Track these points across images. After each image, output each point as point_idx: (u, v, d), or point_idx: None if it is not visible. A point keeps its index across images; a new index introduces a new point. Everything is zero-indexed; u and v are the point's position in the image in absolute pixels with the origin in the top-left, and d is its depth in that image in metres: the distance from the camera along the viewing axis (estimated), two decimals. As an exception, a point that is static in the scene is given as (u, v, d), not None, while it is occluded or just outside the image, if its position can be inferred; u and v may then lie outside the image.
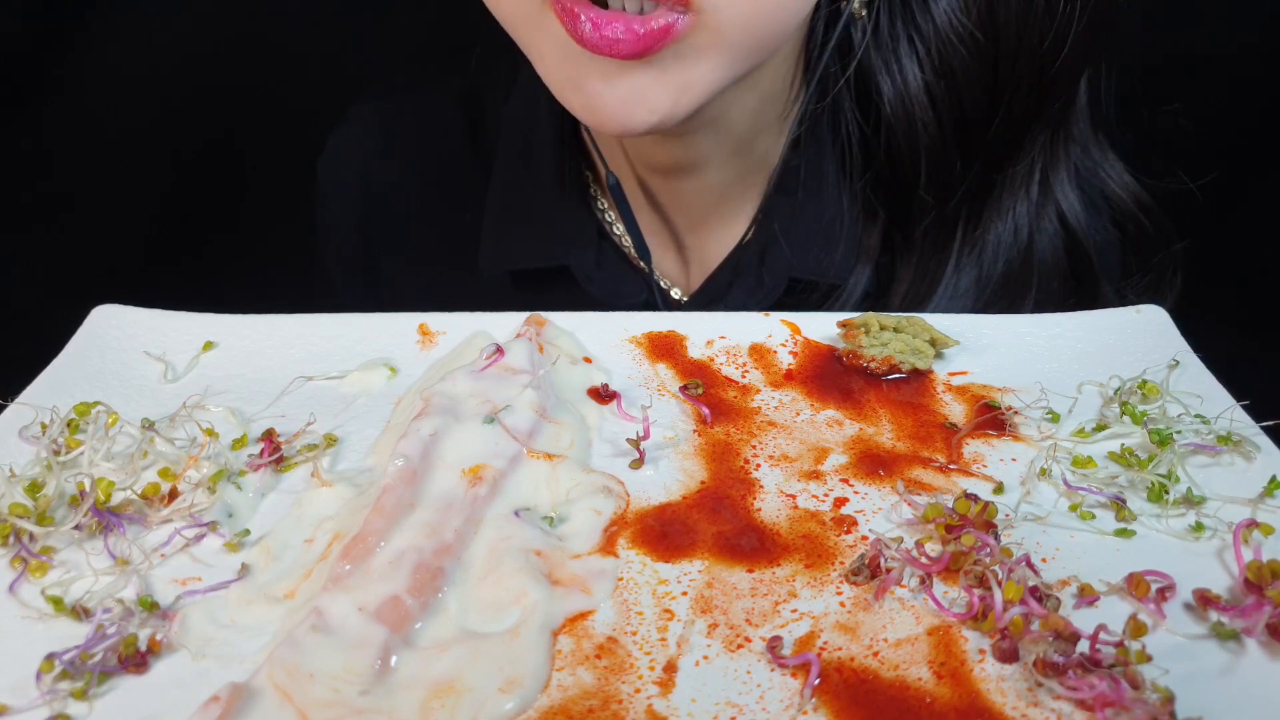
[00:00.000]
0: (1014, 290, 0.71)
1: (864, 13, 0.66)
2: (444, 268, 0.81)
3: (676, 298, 0.78)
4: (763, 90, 0.68)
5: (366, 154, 0.86)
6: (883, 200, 0.72)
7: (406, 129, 0.85)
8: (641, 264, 0.74)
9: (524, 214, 0.76)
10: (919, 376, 0.59)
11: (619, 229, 0.76)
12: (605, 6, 0.55)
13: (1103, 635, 0.41)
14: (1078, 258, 0.72)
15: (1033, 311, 0.66)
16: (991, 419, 0.56)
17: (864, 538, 0.48)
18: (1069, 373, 0.59)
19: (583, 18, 0.54)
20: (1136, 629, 0.41)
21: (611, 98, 0.57)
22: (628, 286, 0.75)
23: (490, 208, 0.78)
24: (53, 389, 0.56)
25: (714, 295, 0.74)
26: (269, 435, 0.53)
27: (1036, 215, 0.71)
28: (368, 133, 0.86)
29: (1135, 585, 0.44)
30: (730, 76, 0.60)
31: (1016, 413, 0.56)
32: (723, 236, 0.75)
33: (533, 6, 0.57)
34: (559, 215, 0.75)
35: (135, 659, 0.41)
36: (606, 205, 0.77)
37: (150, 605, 0.44)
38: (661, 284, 0.77)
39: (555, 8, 0.55)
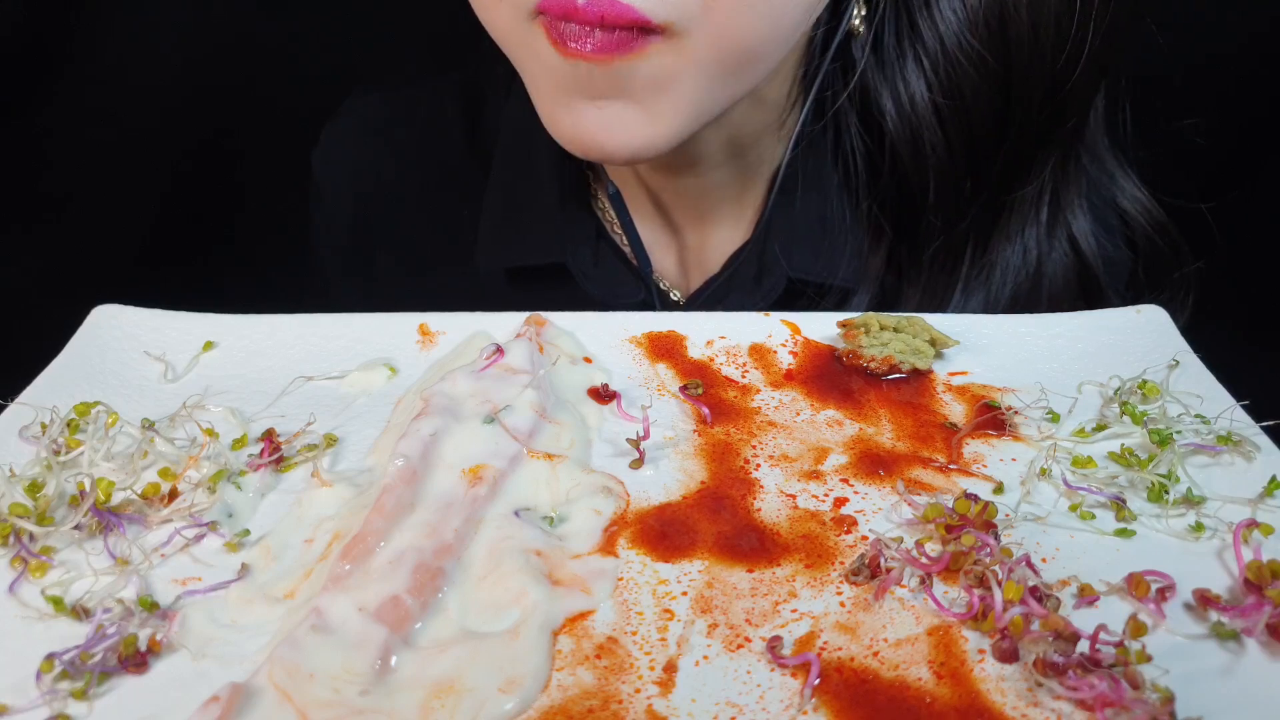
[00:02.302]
0: (1022, 313, 0.70)
1: (862, 29, 0.66)
2: (439, 263, 0.81)
3: (675, 299, 0.78)
4: (760, 97, 0.67)
5: (361, 146, 0.85)
6: (889, 220, 0.71)
7: (402, 122, 0.85)
8: (639, 263, 0.74)
9: (522, 211, 0.76)
10: (919, 376, 0.59)
11: (618, 229, 0.76)
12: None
13: (1103, 635, 0.41)
14: (1087, 282, 0.72)
15: None
16: (991, 419, 0.56)
17: (864, 538, 0.48)
18: (1069, 373, 0.59)
19: (563, 25, 0.55)
20: (1136, 629, 0.41)
21: (593, 122, 0.58)
22: (625, 287, 0.74)
23: (488, 204, 0.78)
24: (53, 389, 0.56)
25: (712, 298, 0.74)
26: (269, 435, 0.53)
27: (1046, 238, 0.70)
28: (362, 125, 0.86)
29: (1135, 585, 0.44)
30: (713, 101, 0.59)
31: (1016, 413, 0.56)
32: (723, 240, 0.75)
33: (522, 26, 0.57)
34: (557, 213, 0.75)
35: (135, 659, 0.41)
36: (605, 204, 0.77)
37: (150, 605, 0.44)
38: (660, 285, 0.77)
39: (542, 21, 0.56)
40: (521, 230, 0.76)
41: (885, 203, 0.71)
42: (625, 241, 0.75)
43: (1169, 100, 0.75)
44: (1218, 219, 0.73)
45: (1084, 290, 0.72)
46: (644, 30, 0.54)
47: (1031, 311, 0.70)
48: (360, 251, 0.86)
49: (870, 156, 0.70)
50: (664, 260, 0.78)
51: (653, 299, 0.74)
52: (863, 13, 0.65)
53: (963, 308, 0.70)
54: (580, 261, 0.74)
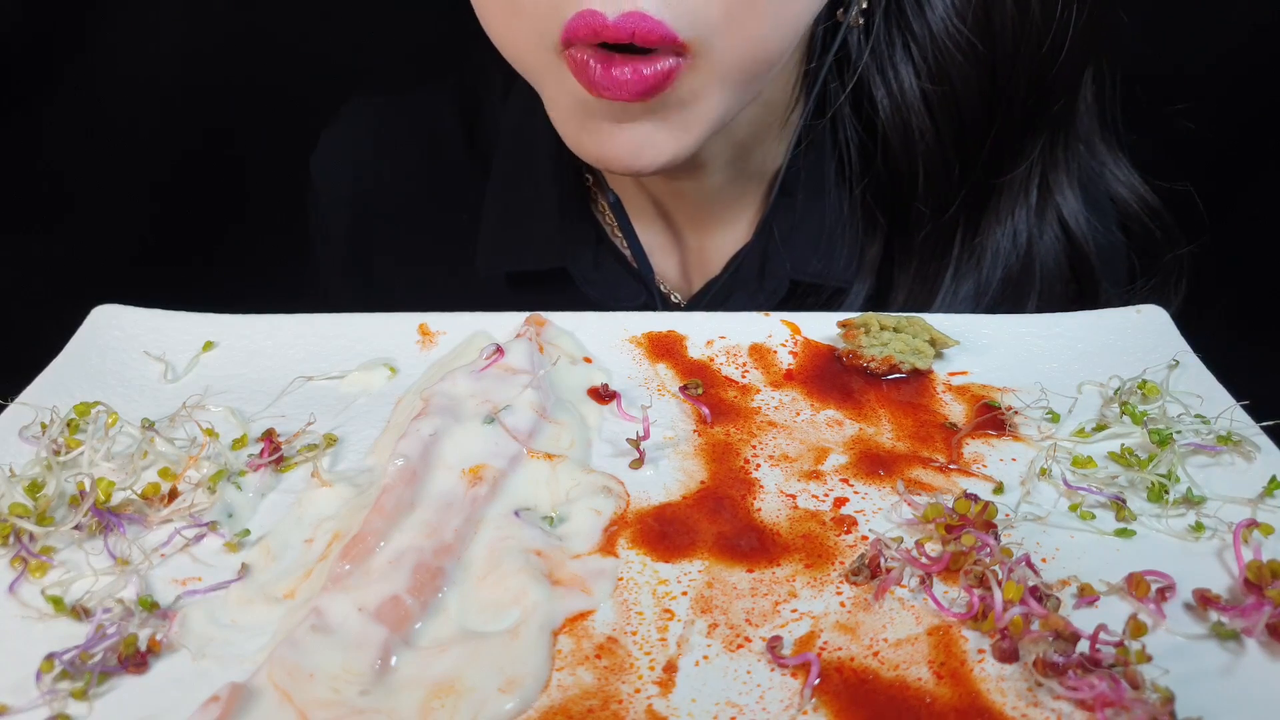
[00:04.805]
0: (1014, 297, 0.70)
1: (860, 21, 0.66)
2: (438, 267, 0.81)
3: (676, 302, 0.78)
4: (765, 99, 0.68)
5: (359, 151, 0.85)
6: (883, 208, 0.72)
7: (401, 127, 0.85)
8: (639, 266, 0.74)
9: (522, 215, 0.76)
10: (919, 376, 0.59)
11: (618, 233, 0.76)
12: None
13: (1103, 635, 0.41)
14: (1079, 263, 0.72)
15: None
16: (991, 419, 0.56)
17: (864, 538, 0.48)
18: (1069, 373, 0.59)
19: (592, 63, 0.55)
20: (1136, 629, 0.41)
21: (621, 141, 0.58)
22: (626, 290, 0.74)
23: (488, 209, 0.78)
24: (53, 389, 0.56)
25: (713, 300, 0.74)
26: (269, 435, 0.53)
27: (1037, 220, 0.71)
28: (361, 130, 0.86)
29: (1135, 585, 0.44)
30: (731, 109, 0.60)
31: (1016, 413, 0.56)
32: (723, 242, 0.75)
33: (547, 56, 0.57)
34: (557, 218, 0.75)
35: (135, 659, 0.41)
36: (605, 209, 0.77)
37: (150, 605, 0.44)
38: (661, 288, 0.77)
39: (567, 59, 0.56)
40: (522, 235, 0.76)
41: (879, 193, 0.71)
42: (626, 246, 0.75)
43: (1169, 89, 0.75)
44: (1217, 212, 0.73)
45: (1075, 273, 0.72)
46: (673, 52, 0.55)
47: (1024, 297, 0.70)
48: (359, 257, 0.85)
49: (864, 147, 0.70)
50: (665, 263, 0.78)
51: (654, 302, 0.74)
52: (863, 6, 0.66)
53: (954, 293, 0.70)
54: (581, 266, 0.74)
